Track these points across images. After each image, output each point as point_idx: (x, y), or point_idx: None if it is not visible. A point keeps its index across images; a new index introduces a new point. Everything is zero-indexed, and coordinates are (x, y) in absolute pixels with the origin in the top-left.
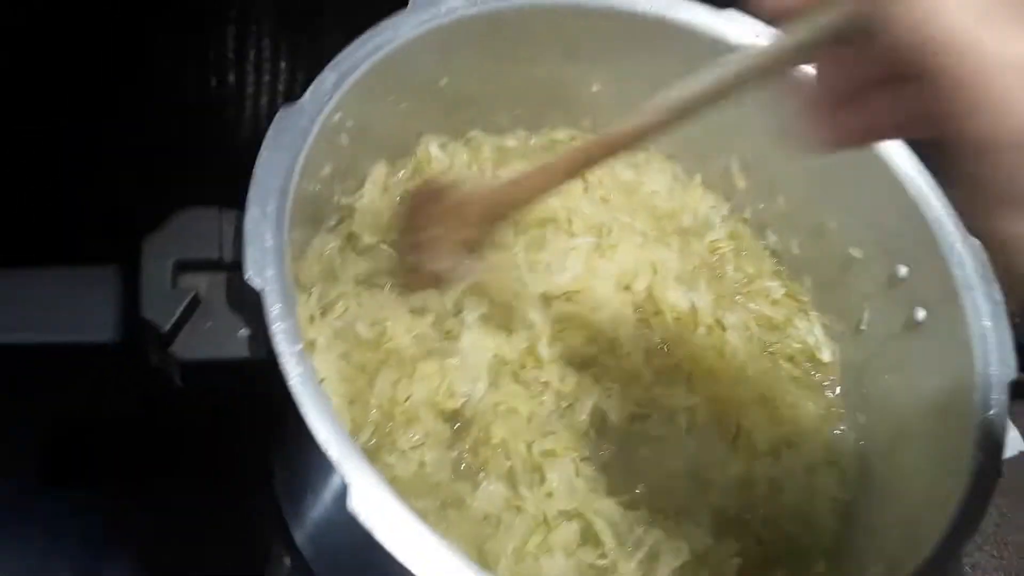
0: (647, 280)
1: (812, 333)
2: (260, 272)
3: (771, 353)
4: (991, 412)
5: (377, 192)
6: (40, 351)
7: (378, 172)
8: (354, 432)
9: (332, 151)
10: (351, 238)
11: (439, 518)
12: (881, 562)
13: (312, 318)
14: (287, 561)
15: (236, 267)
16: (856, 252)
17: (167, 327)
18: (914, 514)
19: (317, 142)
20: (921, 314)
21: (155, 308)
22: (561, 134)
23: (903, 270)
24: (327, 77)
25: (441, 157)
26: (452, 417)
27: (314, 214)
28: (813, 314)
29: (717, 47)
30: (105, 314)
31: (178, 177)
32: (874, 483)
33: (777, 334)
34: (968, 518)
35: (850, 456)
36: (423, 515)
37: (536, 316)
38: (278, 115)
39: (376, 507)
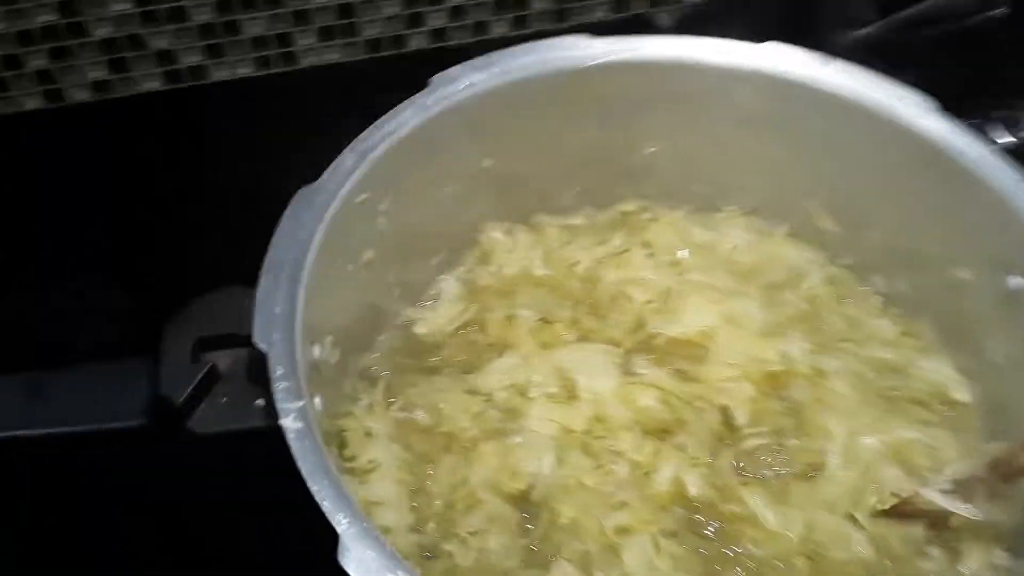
0: (726, 334)
1: (940, 372)
2: (266, 336)
3: (890, 398)
4: None
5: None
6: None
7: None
8: (419, 524)
9: (369, 234)
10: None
11: None
12: None
13: (372, 407)
14: None
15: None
16: (964, 273)
17: (181, 400)
18: None
19: (345, 219)
20: None
21: (173, 384)
22: (630, 206)
23: (1014, 281)
24: (346, 158)
25: (505, 242)
26: (520, 501)
27: (373, 311)
28: (939, 354)
29: (764, 81)
30: (136, 399)
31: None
32: None
33: (898, 377)
34: None
35: None
36: None
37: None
38: (297, 194)
39: (368, 562)
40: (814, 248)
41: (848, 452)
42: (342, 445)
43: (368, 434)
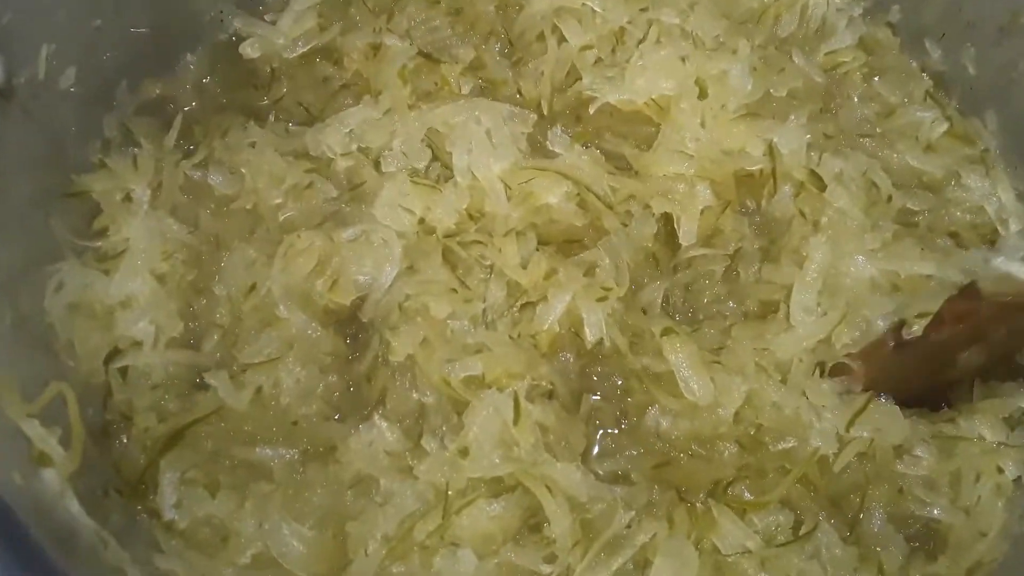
0: (690, 108)
1: (995, 196)
2: None
3: (910, 224)
4: None
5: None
6: None
7: None
8: (193, 338)
9: None
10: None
11: (289, 474)
12: None
13: (146, 159)
14: None
15: None
16: None
17: None
18: None
19: None
20: None
21: None
22: None
23: None
24: None
25: None
26: (343, 321)
27: (175, 14)
28: (998, 169)
29: None
30: None
31: None
32: None
33: (931, 198)
34: None
35: None
36: (259, 468)
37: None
38: None
39: None
40: None
41: (827, 288)
42: (90, 213)
43: (127, 198)
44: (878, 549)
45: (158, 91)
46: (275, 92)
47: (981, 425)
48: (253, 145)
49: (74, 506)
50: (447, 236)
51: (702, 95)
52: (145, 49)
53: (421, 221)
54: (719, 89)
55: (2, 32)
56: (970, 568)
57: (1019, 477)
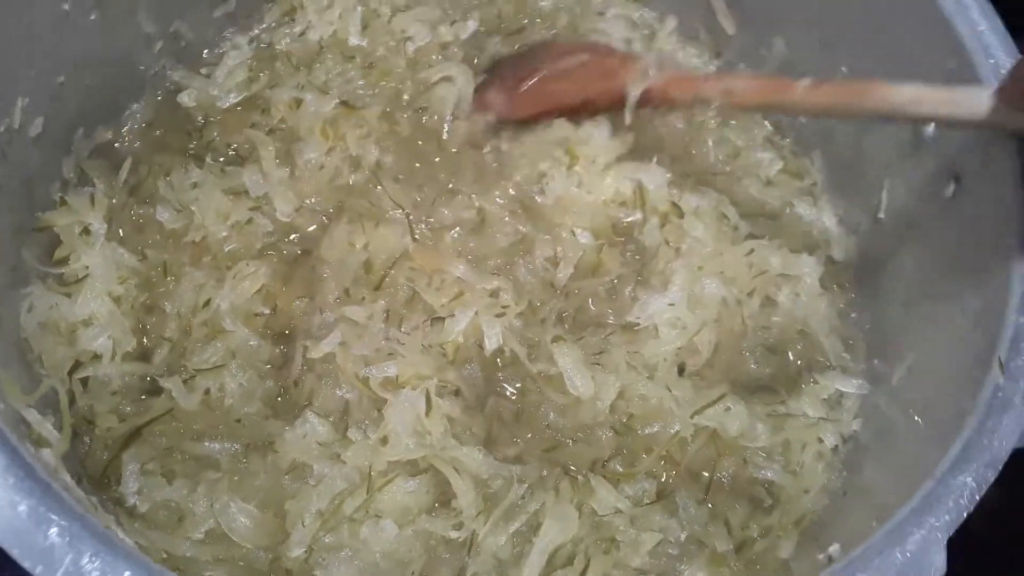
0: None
1: (820, 222)
2: None
3: (754, 251)
4: None
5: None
6: None
7: None
8: (145, 352)
9: None
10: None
11: (234, 464)
12: None
13: (100, 197)
14: None
15: None
16: None
17: None
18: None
19: None
20: (951, 188)
21: None
22: None
23: (930, 129)
24: None
25: None
26: (280, 336)
27: (122, 69)
28: (823, 199)
29: None
30: None
31: None
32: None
33: (771, 224)
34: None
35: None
36: (208, 459)
37: None
38: None
39: None
40: (704, 51)
41: (689, 301)
42: (53, 244)
43: (86, 231)
44: (725, 508)
45: (109, 136)
46: (207, 136)
47: (806, 405)
48: (194, 185)
49: (67, 479)
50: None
51: (572, 160)
52: (98, 100)
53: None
54: (588, 150)
55: None
56: (797, 519)
57: (836, 446)
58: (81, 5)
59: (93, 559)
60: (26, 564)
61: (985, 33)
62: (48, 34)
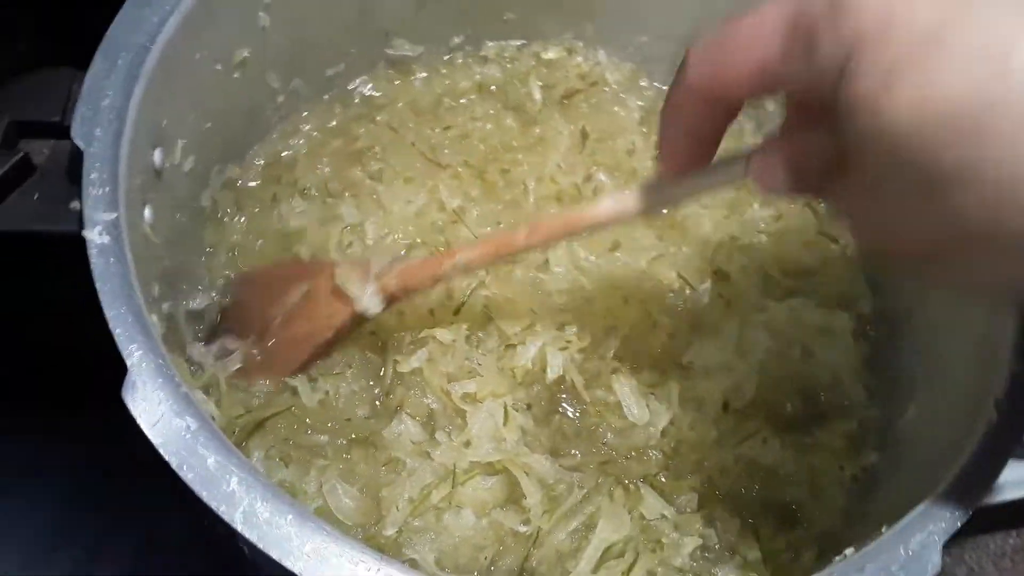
0: None
1: (854, 280)
2: (87, 131)
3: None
4: None
5: None
6: None
7: None
8: None
9: (247, 29)
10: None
11: (340, 455)
12: None
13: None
14: None
15: None
16: None
17: None
18: None
19: (212, 6)
20: None
21: None
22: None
23: None
24: None
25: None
26: (377, 348)
27: (249, 117)
28: (855, 260)
29: None
30: None
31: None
32: None
33: (809, 280)
34: None
35: None
36: (319, 449)
37: None
38: None
39: (155, 403)
40: None
41: (736, 350)
42: None
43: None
44: (756, 523)
45: (237, 172)
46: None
47: (831, 440)
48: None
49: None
50: None
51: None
52: (231, 142)
53: None
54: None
55: (161, 132)
56: (817, 535)
57: (855, 474)
58: (228, 66)
59: (264, 503)
60: (213, 505)
61: None
62: (204, 89)
